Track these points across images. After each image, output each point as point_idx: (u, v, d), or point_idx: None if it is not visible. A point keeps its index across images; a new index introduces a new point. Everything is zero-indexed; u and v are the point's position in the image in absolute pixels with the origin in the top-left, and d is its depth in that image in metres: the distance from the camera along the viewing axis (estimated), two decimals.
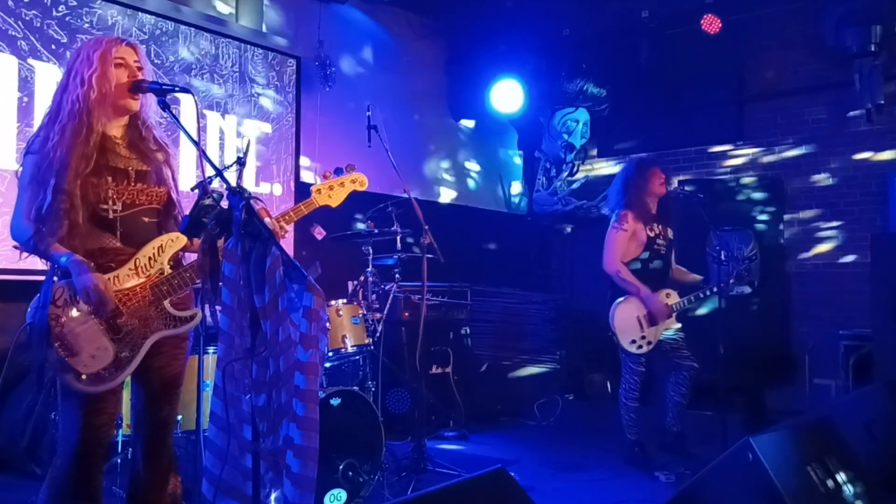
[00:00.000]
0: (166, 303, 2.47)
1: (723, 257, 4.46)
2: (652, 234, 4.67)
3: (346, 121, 6.12)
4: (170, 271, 2.49)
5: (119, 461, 3.57)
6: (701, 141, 7.27)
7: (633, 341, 4.53)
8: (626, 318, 4.55)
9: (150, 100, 2.55)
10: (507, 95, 7.41)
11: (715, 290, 4.46)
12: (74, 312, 2.33)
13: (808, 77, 6.67)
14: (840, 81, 6.36)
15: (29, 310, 2.36)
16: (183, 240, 2.55)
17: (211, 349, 3.68)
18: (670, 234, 4.77)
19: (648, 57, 6.70)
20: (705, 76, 7.06)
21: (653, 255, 4.65)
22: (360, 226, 4.72)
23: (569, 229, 7.95)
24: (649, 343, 4.53)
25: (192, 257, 2.60)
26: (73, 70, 2.45)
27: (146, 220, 2.53)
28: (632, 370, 4.59)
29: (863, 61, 6.10)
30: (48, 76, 4.49)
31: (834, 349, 5.73)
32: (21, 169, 2.45)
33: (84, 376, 2.31)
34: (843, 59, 6.23)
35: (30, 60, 4.43)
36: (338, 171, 2.89)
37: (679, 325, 4.63)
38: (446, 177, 7.45)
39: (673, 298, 4.60)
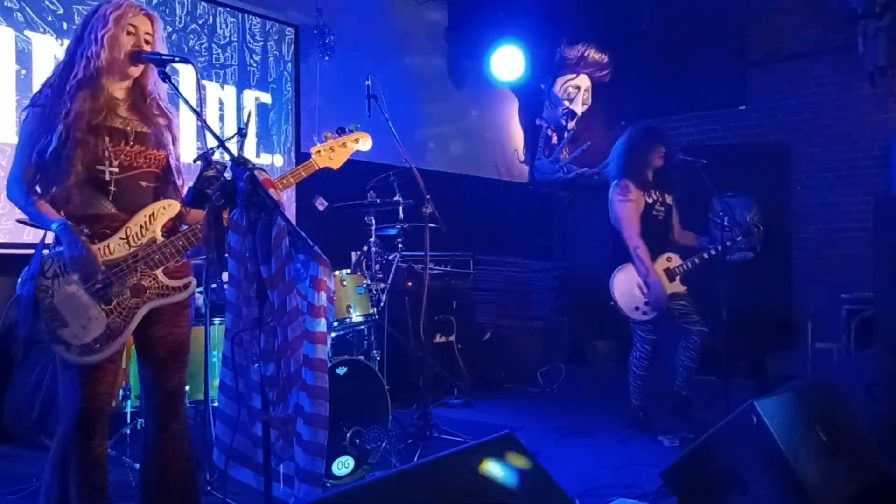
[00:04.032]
0: (159, 272, 2.42)
1: (726, 223, 4.45)
2: (650, 201, 4.66)
3: (345, 89, 6.05)
4: (161, 239, 2.43)
5: (129, 431, 3.60)
6: (703, 106, 7.21)
7: (637, 308, 4.54)
8: (626, 286, 4.55)
9: (154, 71, 2.51)
10: (508, 62, 7.34)
11: (720, 248, 4.47)
12: (64, 283, 2.29)
13: (811, 40, 6.60)
14: (843, 44, 6.29)
15: (19, 281, 2.33)
16: (176, 207, 2.49)
17: (217, 320, 3.70)
18: (668, 199, 4.76)
19: (650, 22, 6.64)
20: (707, 40, 6.99)
21: (651, 221, 4.64)
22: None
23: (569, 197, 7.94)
24: (653, 308, 4.53)
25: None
26: (88, 25, 2.41)
27: (143, 184, 2.47)
28: (643, 339, 4.61)
29: (866, 23, 6.03)
30: (46, 48, 4.44)
31: (836, 313, 5.73)
32: (23, 123, 2.40)
33: (75, 347, 2.28)
34: (846, 22, 6.15)
35: (26, 32, 4.39)
36: (340, 131, 2.77)
37: (685, 289, 4.63)
38: (448, 145, 7.41)
39: (674, 262, 4.60)
